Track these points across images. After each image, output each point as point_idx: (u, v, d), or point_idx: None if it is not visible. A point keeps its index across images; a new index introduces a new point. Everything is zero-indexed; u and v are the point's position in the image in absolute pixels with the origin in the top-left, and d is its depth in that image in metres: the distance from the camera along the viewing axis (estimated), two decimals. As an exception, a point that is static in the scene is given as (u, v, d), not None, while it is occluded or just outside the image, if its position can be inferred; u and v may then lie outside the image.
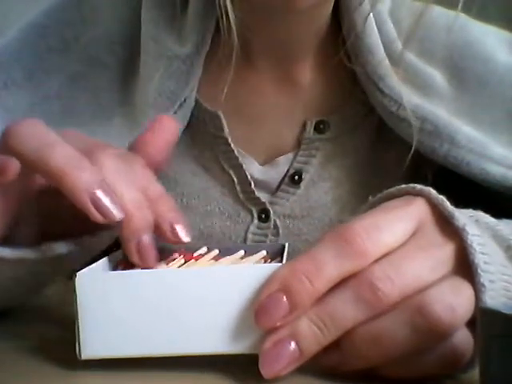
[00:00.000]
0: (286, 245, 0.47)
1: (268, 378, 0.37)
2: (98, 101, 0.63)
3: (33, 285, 0.49)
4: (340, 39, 0.63)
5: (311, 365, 0.38)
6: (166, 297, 0.39)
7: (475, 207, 0.44)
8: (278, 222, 0.67)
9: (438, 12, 0.66)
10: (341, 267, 0.37)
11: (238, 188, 0.66)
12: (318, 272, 0.37)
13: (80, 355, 0.40)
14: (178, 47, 0.61)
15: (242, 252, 0.47)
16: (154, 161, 0.47)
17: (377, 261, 0.38)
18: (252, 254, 0.47)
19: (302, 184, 0.66)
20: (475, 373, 0.35)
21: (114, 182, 0.42)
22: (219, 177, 0.67)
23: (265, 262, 0.46)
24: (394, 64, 0.62)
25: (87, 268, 0.41)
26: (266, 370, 0.37)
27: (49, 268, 0.47)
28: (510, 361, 0.31)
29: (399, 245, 0.39)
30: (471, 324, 0.37)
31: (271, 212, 0.67)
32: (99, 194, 0.41)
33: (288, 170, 0.66)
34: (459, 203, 0.42)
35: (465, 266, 0.38)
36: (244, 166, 0.66)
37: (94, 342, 0.40)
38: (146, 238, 0.42)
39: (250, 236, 0.67)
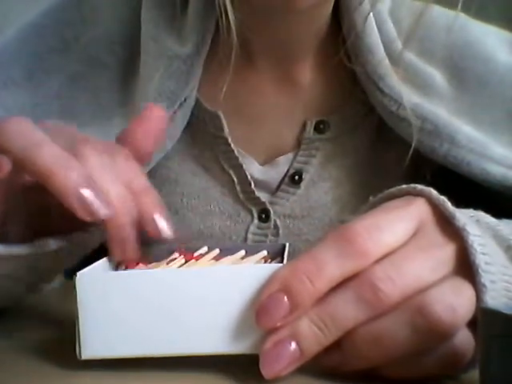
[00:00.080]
0: (287, 245, 0.47)
1: (268, 379, 0.37)
2: (98, 101, 0.63)
3: (29, 283, 0.49)
4: (340, 39, 0.63)
5: (311, 365, 0.38)
6: (166, 297, 0.39)
7: (475, 207, 0.43)
8: (278, 221, 0.67)
9: (438, 12, 0.66)
10: (342, 267, 0.37)
11: (238, 188, 0.66)
12: (318, 272, 0.37)
13: (80, 355, 0.40)
14: (178, 47, 0.61)
15: (242, 252, 0.47)
16: (142, 150, 0.47)
17: (378, 261, 0.38)
18: (253, 253, 0.47)
19: (302, 184, 0.66)
20: (475, 373, 0.34)
21: (100, 179, 0.42)
22: (219, 177, 0.67)
23: (265, 261, 0.46)
24: (394, 63, 0.62)
25: (87, 268, 0.41)
26: (267, 370, 0.37)
27: (43, 265, 0.46)
28: (510, 361, 0.31)
29: (400, 245, 0.39)
30: (472, 324, 0.37)
31: (271, 212, 0.67)
32: (86, 192, 0.41)
33: (288, 170, 0.66)
34: (459, 203, 0.42)
35: (465, 267, 0.38)
36: (244, 165, 0.66)
37: (94, 342, 0.40)
38: (130, 234, 0.43)
39: (250, 236, 0.67)
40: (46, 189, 0.41)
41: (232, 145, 0.65)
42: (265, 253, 0.47)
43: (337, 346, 0.38)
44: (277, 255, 0.47)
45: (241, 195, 0.67)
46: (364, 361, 0.38)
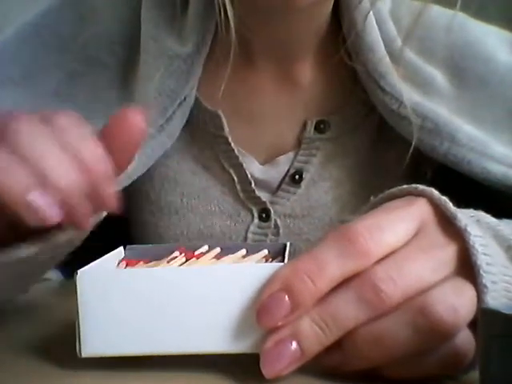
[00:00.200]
0: (288, 244, 0.47)
1: (269, 378, 0.37)
2: (97, 98, 0.63)
3: (12, 287, 0.48)
4: (340, 38, 0.63)
5: (312, 365, 0.38)
6: (166, 295, 0.39)
7: (475, 206, 0.43)
8: (278, 221, 0.67)
9: (438, 12, 0.66)
10: (343, 267, 0.37)
11: (238, 187, 0.66)
12: (320, 272, 0.37)
13: (80, 353, 0.40)
14: (178, 47, 0.61)
15: (243, 251, 0.47)
16: (119, 156, 0.43)
17: (379, 261, 0.38)
18: (253, 252, 0.47)
19: (303, 183, 0.66)
20: (475, 373, 0.34)
21: (43, 164, 0.39)
22: (219, 176, 0.67)
23: (266, 261, 0.46)
24: (395, 62, 0.62)
25: (88, 266, 0.41)
26: (267, 370, 0.37)
27: (20, 270, 0.45)
28: (510, 361, 0.31)
29: (401, 245, 0.39)
30: (473, 325, 0.37)
31: (272, 211, 0.67)
32: (35, 196, 0.38)
33: (288, 170, 0.66)
34: (459, 202, 0.42)
35: (467, 267, 0.38)
36: (244, 165, 0.66)
37: (94, 340, 0.40)
38: (82, 208, 0.40)
39: (250, 235, 0.67)
40: None
41: (232, 144, 0.65)
42: (266, 252, 0.47)
43: (338, 345, 0.38)
44: (278, 254, 0.47)
45: (241, 194, 0.66)
46: (365, 361, 0.38)
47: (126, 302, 0.39)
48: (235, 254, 0.47)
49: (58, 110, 0.42)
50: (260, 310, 0.38)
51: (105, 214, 0.44)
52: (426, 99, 0.62)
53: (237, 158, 0.66)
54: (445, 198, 0.41)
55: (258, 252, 0.47)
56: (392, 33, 0.63)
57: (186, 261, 0.45)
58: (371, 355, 0.37)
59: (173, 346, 0.39)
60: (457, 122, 0.61)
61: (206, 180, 0.67)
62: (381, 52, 0.62)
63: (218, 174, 0.67)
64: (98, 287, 0.40)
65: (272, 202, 0.67)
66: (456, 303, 0.37)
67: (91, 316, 0.40)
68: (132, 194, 0.66)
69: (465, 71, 0.64)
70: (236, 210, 0.67)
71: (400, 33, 0.63)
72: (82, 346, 0.40)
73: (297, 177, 0.66)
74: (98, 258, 0.44)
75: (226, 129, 0.65)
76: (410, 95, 0.61)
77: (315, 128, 0.66)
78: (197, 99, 0.65)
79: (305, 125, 0.66)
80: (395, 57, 0.62)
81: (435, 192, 0.41)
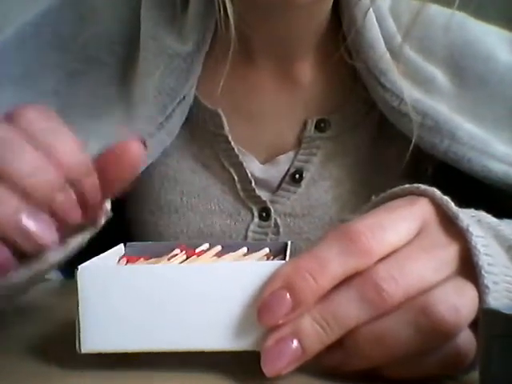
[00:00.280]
0: (289, 243, 0.47)
1: (270, 376, 0.37)
2: (98, 96, 0.63)
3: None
4: (340, 36, 0.63)
5: (312, 365, 0.38)
6: (167, 292, 0.39)
7: (475, 205, 0.43)
8: (278, 220, 0.67)
9: (437, 11, 0.66)
10: (345, 265, 0.37)
11: (238, 186, 0.66)
12: (321, 269, 0.37)
13: (80, 349, 0.40)
14: (178, 46, 0.61)
15: (244, 249, 0.47)
16: (110, 183, 0.42)
17: (380, 260, 0.38)
18: (255, 251, 0.47)
19: (303, 183, 0.66)
20: (476, 373, 0.34)
21: (20, 173, 0.38)
22: (219, 175, 0.67)
23: (267, 259, 0.46)
24: (395, 59, 0.62)
25: (89, 261, 0.41)
26: (268, 368, 0.37)
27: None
28: (511, 361, 0.31)
29: (403, 244, 0.39)
30: (474, 325, 0.37)
31: (272, 210, 0.66)
32: (25, 221, 0.38)
33: (289, 169, 0.66)
34: (458, 200, 0.42)
35: (468, 267, 0.38)
36: (244, 164, 0.66)
37: (94, 336, 0.40)
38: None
39: (250, 234, 0.67)
40: None
41: (232, 143, 0.65)
42: (267, 250, 0.47)
43: (339, 345, 0.38)
44: (279, 253, 0.47)
45: (241, 193, 0.66)
46: (366, 360, 0.38)
47: (127, 299, 0.39)
48: (236, 252, 0.47)
49: (25, 104, 0.41)
50: (261, 308, 0.37)
51: (109, 208, 0.44)
52: (427, 97, 0.62)
53: (237, 156, 0.65)
54: (447, 198, 0.41)
55: (259, 250, 0.47)
56: (392, 29, 0.63)
57: (187, 258, 0.45)
58: (372, 355, 0.37)
59: (173, 343, 0.39)
60: (457, 120, 0.61)
61: (206, 179, 0.67)
62: (381, 49, 0.62)
63: (217, 172, 0.67)
64: (99, 283, 0.39)
65: (272, 201, 0.67)
66: (458, 303, 0.37)
67: (91, 312, 0.40)
68: (131, 192, 0.66)
69: (465, 70, 0.64)
70: (236, 208, 0.67)
71: (400, 30, 0.63)
72: (82, 342, 0.40)
73: (297, 176, 0.66)
74: (98, 254, 0.44)
75: (226, 127, 0.65)
76: (410, 92, 0.61)
77: (315, 127, 0.66)
78: (196, 98, 0.65)
79: (305, 124, 0.66)
80: (395, 54, 0.62)
81: (437, 192, 0.41)
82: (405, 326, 0.37)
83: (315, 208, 0.67)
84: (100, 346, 0.40)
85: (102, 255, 0.44)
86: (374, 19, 0.62)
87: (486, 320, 0.33)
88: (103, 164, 0.41)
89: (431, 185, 0.42)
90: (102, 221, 0.44)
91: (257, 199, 0.66)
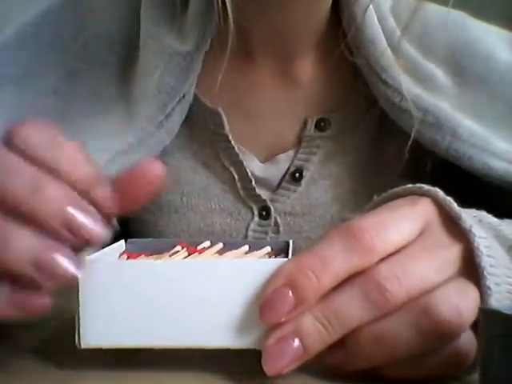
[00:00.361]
0: (291, 242, 0.47)
1: (271, 375, 0.37)
2: (98, 94, 0.63)
3: None
4: (340, 32, 0.63)
5: (312, 365, 0.38)
6: (168, 288, 0.39)
7: (474, 203, 0.43)
8: (278, 219, 0.67)
9: (437, 10, 0.66)
10: (348, 262, 0.37)
11: (238, 185, 0.66)
12: (324, 267, 0.37)
13: (80, 344, 0.40)
14: (178, 45, 0.61)
15: (246, 247, 0.47)
16: (126, 203, 0.41)
17: (383, 259, 0.38)
18: (256, 249, 0.47)
19: (303, 182, 0.66)
20: (476, 373, 0.34)
21: (27, 199, 0.37)
22: (219, 173, 0.67)
23: (269, 257, 0.46)
24: (396, 55, 0.62)
25: (90, 256, 0.41)
26: (269, 367, 0.37)
27: None
28: (511, 361, 0.31)
29: (406, 243, 0.39)
30: (474, 325, 0.37)
31: (272, 209, 0.66)
32: (72, 212, 0.37)
33: (289, 168, 0.66)
34: (458, 199, 0.42)
35: (470, 268, 0.38)
36: (245, 162, 0.66)
37: (94, 331, 0.39)
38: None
39: (250, 233, 0.67)
40: None
41: (232, 142, 0.65)
42: (269, 249, 0.47)
43: (340, 344, 0.38)
44: (280, 252, 0.47)
45: (241, 192, 0.66)
46: (367, 360, 0.38)
47: (127, 294, 0.39)
48: (238, 250, 0.46)
49: (21, 121, 0.40)
50: (263, 306, 0.37)
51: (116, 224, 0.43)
52: (428, 94, 0.62)
53: (237, 155, 0.65)
54: (449, 199, 0.41)
55: (260, 249, 0.47)
56: (392, 27, 0.63)
57: (189, 255, 0.45)
58: (374, 355, 0.37)
59: (173, 340, 0.39)
60: (458, 117, 0.61)
61: (206, 178, 0.67)
62: (382, 45, 0.62)
63: (218, 171, 0.67)
64: (99, 278, 0.39)
65: (272, 200, 0.67)
66: (460, 304, 0.37)
67: (92, 307, 0.39)
68: None
69: (465, 70, 0.64)
70: (236, 207, 0.67)
71: (399, 25, 0.63)
72: (82, 337, 0.40)
73: (297, 175, 0.66)
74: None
75: (227, 126, 0.65)
76: (412, 88, 0.61)
77: (315, 126, 0.66)
78: (196, 96, 0.65)
79: (305, 123, 0.66)
80: (396, 50, 0.62)
81: (440, 192, 0.41)
82: (406, 327, 0.37)
83: (315, 207, 0.67)
84: (100, 342, 0.39)
85: (102, 250, 0.44)
86: (375, 17, 0.62)
87: (486, 320, 0.33)
88: (123, 185, 0.40)
89: (431, 183, 0.42)
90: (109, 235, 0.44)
91: (257, 198, 0.66)
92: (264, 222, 0.67)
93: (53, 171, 0.38)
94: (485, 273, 0.38)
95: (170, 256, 0.45)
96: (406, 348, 0.37)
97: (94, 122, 0.60)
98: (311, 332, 0.37)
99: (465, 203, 0.42)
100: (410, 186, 0.43)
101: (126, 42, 0.65)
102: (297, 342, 0.37)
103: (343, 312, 0.37)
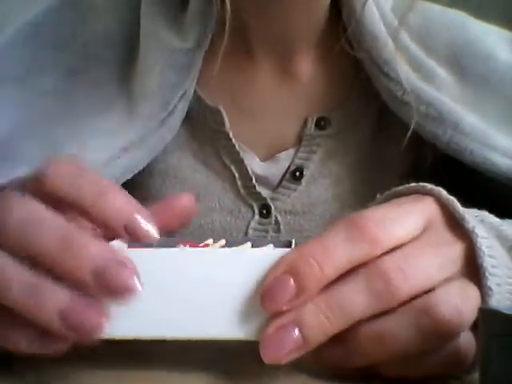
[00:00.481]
0: (293, 240, 0.47)
1: (268, 363, 0.36)
2: (97, 92, 0.63)
3: None
4: (340, 27, 0.63)
5: (312, 364, 0.38)
6: (169, 276, 0.38)
7: (475, 201, 0.43)
8: (279, 217, 0.67)
9: (436, 10, 0.66)
10: (351, 252, 0.37)
11: (239, 183, 0.66)
12: (327, 255, 0.37)
13: None
14: (178, 42, 0.61)
15: (248, 244, 0.47)
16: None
17: (387, 253, 0.37)
18: (259, 246, 0.47)
19: (303, 180, 0.66)
20: (475, 372, 0.35)
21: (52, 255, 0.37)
22: (220, 172, 0.67)
23: None
24: (398, 49, 0.62)
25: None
26: (267, 356, 0.36)
27: None
28: (511, 360, 0.31)
29: (410, 238, 0.39)
30: (473, 325, 0.37)
31: (272, 208, 0.66)
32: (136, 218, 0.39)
33: (289, 166, 0.66)
34: (458, 196, 0.42)
35: (472, 268, 0.38)
36: (245, 161, 0.66)
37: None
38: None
39: (250, 232, 0.67)
40: None
41: (233, 140, 0.65)
42: (271, 246, 0.47)
43: (340, 341, 0.37)
44: None
45: (242, 190, 0.66)
46: (366, 358, 0.38)
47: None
48: (241, 246, 0.46)
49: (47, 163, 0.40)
50: (264, 293, 0.37)
51: None
52: (431, 88, 0.62)
53: (238, 153, 0.65)
54: (452, 198, 0.41)
55: (263, 246, 0.47)
56: (393, 22, 0.63)
57: None
58: (372, 353, 0.37)
59: (173, 331, 0.38)
60: (461, 111, 0.61)
61: (207, 176, 0.67)
62: (383, 39, 0.61)
63: (218, 170, 0.67)
64: None
65: (272, 199, 0.67)
66: (460, 304, 0.37)
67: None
68: (132, 189, 0.66)
69: (465, 69, 0.64)
70: (237, 206, 0.67)
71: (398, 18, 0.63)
72: None
73: (297, 173, 0.66)
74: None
75: (227, 124, 0.65)
76: (414, 82, 0.61)
77: (316, 125, 0.66)
78: (197, 94, 0.65)
79: (305, 121, 0.66)
80: (396, 42, 0.62)
81: (443, 192, 0.41)
82: (406, 326, 0.37)
83: (315, 206, 0.67)
84: (112, 333, 0.38)
85: (111, 242, 0.43)
86: (375, 11, 0.62)
87: (486, 320, 0.33)
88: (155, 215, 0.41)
89: (431, 181, 0.42)
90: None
91: (257, 196, 0.66)
92: (264, 221, 0.67)
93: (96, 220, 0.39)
94: (486, 273, 0.38)
95: None
96: (406, 347, 0.37)
97: (94, 120, 0.60)
98: (312, 322, 0.36)
99: (465, 200, 0.42)
100: (413, 184, 0.43)
101: (126, 41, 0.65)
102: (297, 331, 0.36)
103: (346, 303, 0.36)
